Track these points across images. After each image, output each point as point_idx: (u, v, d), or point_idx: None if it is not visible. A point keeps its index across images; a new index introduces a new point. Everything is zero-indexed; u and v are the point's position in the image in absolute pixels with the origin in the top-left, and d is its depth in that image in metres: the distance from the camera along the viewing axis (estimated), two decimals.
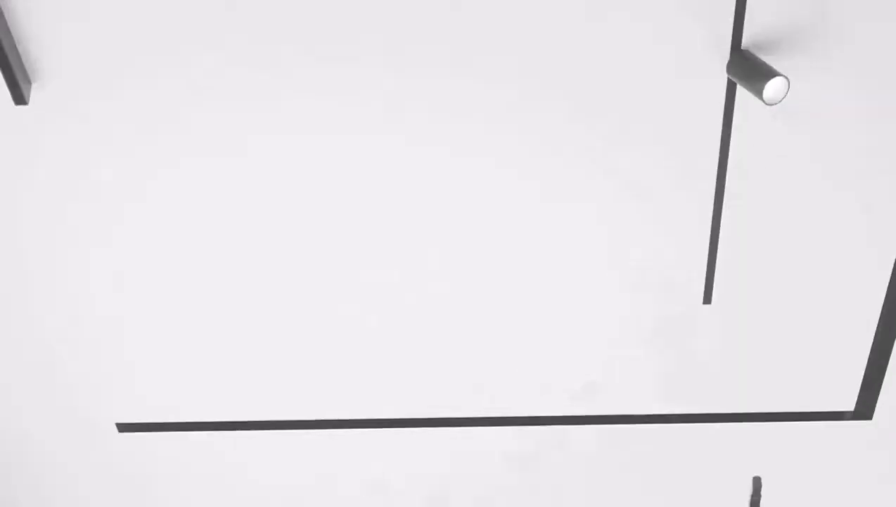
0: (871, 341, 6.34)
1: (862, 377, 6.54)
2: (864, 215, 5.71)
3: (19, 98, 4.64)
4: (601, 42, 4.94)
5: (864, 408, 6.71)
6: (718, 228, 5.71)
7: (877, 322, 6.22)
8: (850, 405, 6.73)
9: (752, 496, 5.36)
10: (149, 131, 5.17)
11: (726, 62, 5.11)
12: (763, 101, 4.84)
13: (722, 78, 5.18)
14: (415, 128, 5.22)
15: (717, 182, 5.51)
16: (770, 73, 4.81)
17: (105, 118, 5.19)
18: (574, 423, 6.91)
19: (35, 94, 4.87)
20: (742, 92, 5.15)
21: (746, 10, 4.99)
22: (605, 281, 5.88)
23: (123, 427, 6.69)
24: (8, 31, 4.59)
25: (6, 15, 4.64)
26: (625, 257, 5.75)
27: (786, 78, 4.83)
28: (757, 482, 5.31)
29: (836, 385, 6.62)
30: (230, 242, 5.68)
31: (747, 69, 4.90)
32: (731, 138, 5.47)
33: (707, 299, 6.04)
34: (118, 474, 7.13)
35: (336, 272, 5.85)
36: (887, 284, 6.02)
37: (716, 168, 5.56)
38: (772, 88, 4.83)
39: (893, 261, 5.89)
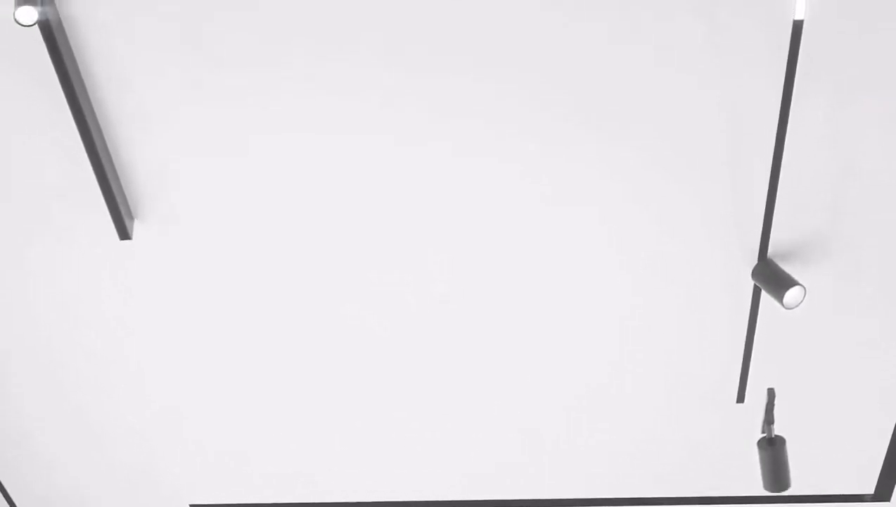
0: (892, 430, 6.66)
1: (882, 463, 6.87)
2: (885, 322, 6.08)
3: (123, 233, 5.05)
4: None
5: (884, 491, 7.02)
6: (753, 335, 6.05)
7: None
8: (870, 489, 7.05)
9: (767, 405, 5.74)
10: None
11: (752, 267, 5.68)
12: (783, 306, 5.41)
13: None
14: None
15: (752, 297, 5.94)
16: (789, 283, 5.41)
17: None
18: (605, 504, 7.20)
19: (137, 229, 5.29)
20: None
21: (772, 226, 5.54)
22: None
23: None
24: (115, 173, 5.03)
25: (112, 154, 5.11)
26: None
27: (803, 287, 5.41)
28: (771, 394, 5.70)
29: (857, 470, 6.94)
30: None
31: (770, 277, 5.51)
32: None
33: (740, 398, 6.39)
34: None
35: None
36: None
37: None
38: (790, 295, 5.41)
39: None
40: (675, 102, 5.09)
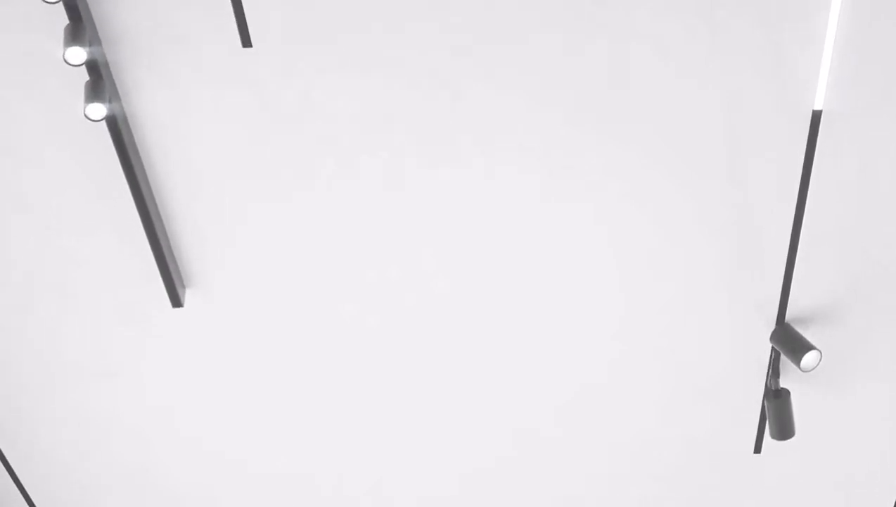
0: None
1: None
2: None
3: (176, 301, 5.36)
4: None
5: None
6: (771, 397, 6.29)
7: None
8: None
9: (772, 360, 6.11)
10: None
11: (771, 331, 5.96)
12: (800, 369, 5.74)
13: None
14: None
15: (770, 368, 6.24)
16: (806, 347, 5.74)
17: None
18: None
19: (189, 297, 5.61)
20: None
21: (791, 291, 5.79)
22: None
23: None
24: (168, 242, 5.36)
25: (167, 229, 5.44)
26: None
27: (819, 351, 5.75)
28: (775, 352, 6.07)
29: None
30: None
31: (788, 340, 5.85)
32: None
33: (757, 449, 6.69)
34: None
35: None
36: None
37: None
38: (807, 359, 5.74)
39: None
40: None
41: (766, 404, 6.19)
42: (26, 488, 6.88)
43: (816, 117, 5.05)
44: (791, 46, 4.94)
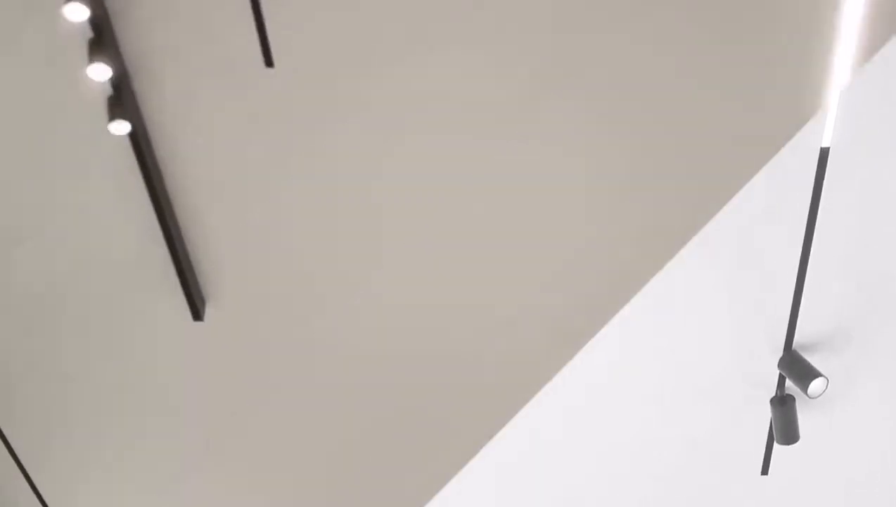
0: None
1: None
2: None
3: (196, 315, 5.32)
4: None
5: None
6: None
7: None
8: None
9: (782, 371, 6.23)
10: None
11: (779, 358, 6.03)
12: (807, 395, 5.82)
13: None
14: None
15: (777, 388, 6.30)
16: (813, 374, 5.82)
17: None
18: None
19: (209, 311, 5.56)
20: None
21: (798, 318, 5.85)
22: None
23: None
24: (188, 258, 5.31)
25: (187, 244, 5.39)
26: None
27: (825, 378, 5.82)
28: (781, 376, 6.17)
29: None
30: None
31: (795, 367, 5.92)
32: None
33: (765, 470, 6.78)
34: None
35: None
36: None
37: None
38: (814, 385, 5.82)
39: None
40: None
41: (772, 411, 6.28)
42: (35, 486, 6.86)
43: (824, 154, 5.09)
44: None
